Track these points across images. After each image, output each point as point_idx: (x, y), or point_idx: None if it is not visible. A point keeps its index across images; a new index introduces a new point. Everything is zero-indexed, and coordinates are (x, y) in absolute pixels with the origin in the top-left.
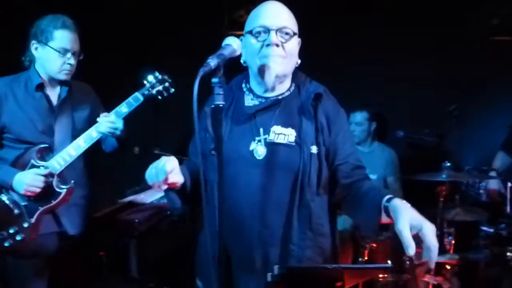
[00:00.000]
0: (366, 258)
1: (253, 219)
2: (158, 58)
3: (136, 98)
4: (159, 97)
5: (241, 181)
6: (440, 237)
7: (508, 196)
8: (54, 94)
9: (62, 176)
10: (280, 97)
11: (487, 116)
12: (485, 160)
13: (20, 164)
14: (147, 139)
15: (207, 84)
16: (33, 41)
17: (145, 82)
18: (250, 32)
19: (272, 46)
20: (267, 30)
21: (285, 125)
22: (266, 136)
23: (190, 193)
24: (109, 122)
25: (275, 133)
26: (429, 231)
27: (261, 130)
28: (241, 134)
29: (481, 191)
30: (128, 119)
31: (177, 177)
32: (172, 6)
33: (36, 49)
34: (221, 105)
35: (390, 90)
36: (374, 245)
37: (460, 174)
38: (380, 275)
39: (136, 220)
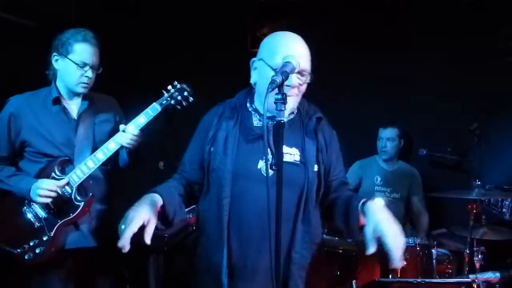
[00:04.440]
0: (399, 275)
1: (260, 231)
2: (182, 75)
3: (154, 109)
4: (178, 107)
5: (250, 196)
6: (471, 255)
7: None
8: (73, 107)
9: (82, 189)
10: (285, 119)
11: (508, 135)
12: (508, 178)
13: (42, 177)
14: (171, 154)
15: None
16: (54, 53)
17: (163, 91)
18: (270, 66)
19: (291, 88)
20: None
21: (290, 145)
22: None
23: (173, 215)
24: (128, 133)
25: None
26: (389, 237)
27: (269, 149)
28: (250, 152)
29: (504, 209)
30: (151, 134)
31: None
32: (196, 24)
33: (57, 61)
34: (282, 121)
35: (412, 109)
36: (406, 263)
37: (492, 192)
38: None
39: (166, 235)
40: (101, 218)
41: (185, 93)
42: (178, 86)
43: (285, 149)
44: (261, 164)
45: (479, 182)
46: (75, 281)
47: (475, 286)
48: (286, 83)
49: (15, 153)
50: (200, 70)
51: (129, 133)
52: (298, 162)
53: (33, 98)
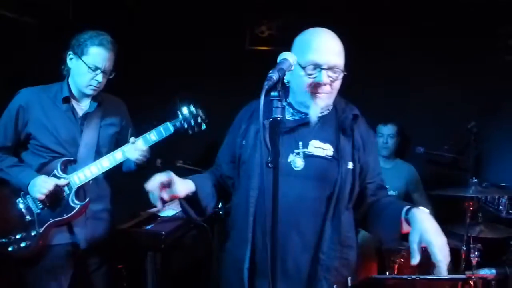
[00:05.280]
0: (395, 272)
1: (287, 226)
2: (181, 73)
3: (167, 128)
4: (190, 131)
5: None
6: (467, 252)
7: None
8: (81, 107)
9: (81, 191)
10: (319, 115)
11: (506, 133)
12: (504, 176)
13: (43, 172)
14: (169, 152)
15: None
16: (70, 52)
17: (178, 113)
18: (300, 65)
19: (322, 85)
20: (319, 69)
21: (324, 140)
22: (305, 149)
23: (206, 202)
24: (137, 150)
25: (314, 147)
26: (437, 248)
27: (300, 143)
28: (280, 145)
29: (501, 207)
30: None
31: (178, 188)
32: (194, 22)
33: (71, 60)
34: (279, 118)
35: (409, 107)
36: (403, 260)
37: (488, 190)
38: None
39: (163, 233)
40: (99, 218)
41: (199, 119)
42: (194, 112)
43: (318, 144)
44: (291, 158)
45: (475, 180)
46: (71, 278)
47: (471, 283)
48: (316, 80)
49: (19, 143)
50: (199, 68)
51: (138, 148)
52: (331, 158)
53: (44, 93)
